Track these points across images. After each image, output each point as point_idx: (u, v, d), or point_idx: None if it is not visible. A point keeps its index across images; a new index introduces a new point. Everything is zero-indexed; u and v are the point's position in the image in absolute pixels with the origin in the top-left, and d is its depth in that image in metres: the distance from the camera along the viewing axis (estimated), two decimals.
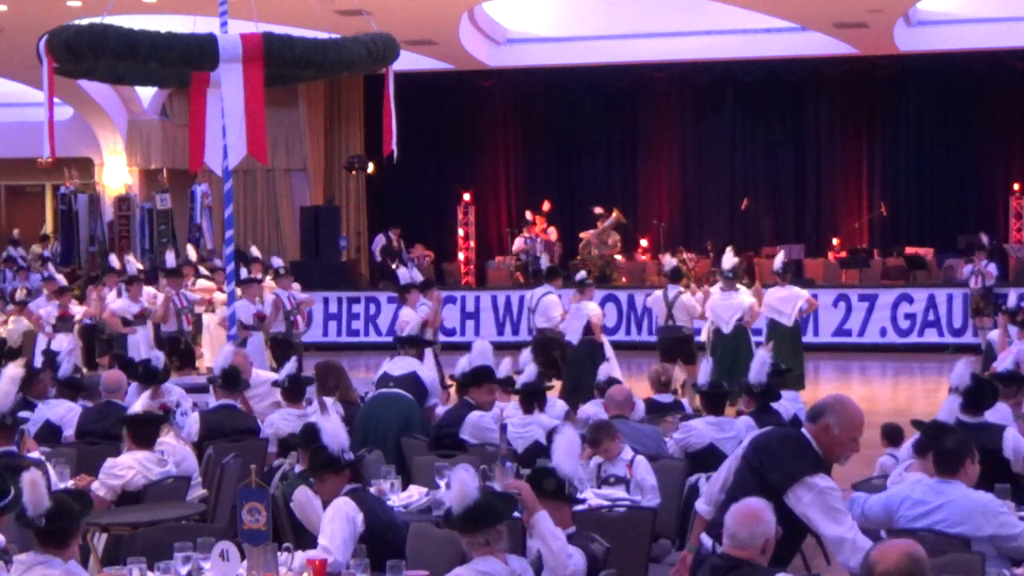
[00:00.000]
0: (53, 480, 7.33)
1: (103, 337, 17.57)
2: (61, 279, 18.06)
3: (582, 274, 16.42)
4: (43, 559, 5.42)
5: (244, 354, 11.43)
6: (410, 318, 12.51)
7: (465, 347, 10.29)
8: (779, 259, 16.66)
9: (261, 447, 9.54)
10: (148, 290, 17.54)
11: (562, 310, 15.58)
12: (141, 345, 15.71)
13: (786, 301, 15.97)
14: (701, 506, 6.19)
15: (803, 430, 5.88)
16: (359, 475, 6.76)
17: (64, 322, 17.13)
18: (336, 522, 6.24)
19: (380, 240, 26.16)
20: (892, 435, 9.26)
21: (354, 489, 6.47)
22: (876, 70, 25.47)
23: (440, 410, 10.28)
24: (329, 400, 9.68)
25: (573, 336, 15.25)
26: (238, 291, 16.27)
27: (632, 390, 9.97)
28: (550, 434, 8.20)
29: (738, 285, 16.01)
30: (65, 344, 16.13)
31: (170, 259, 19.44)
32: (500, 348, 20.00)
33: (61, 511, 5.48)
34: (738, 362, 14.15)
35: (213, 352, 16.47)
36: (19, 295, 19.59)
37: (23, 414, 9.68)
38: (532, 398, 9.46)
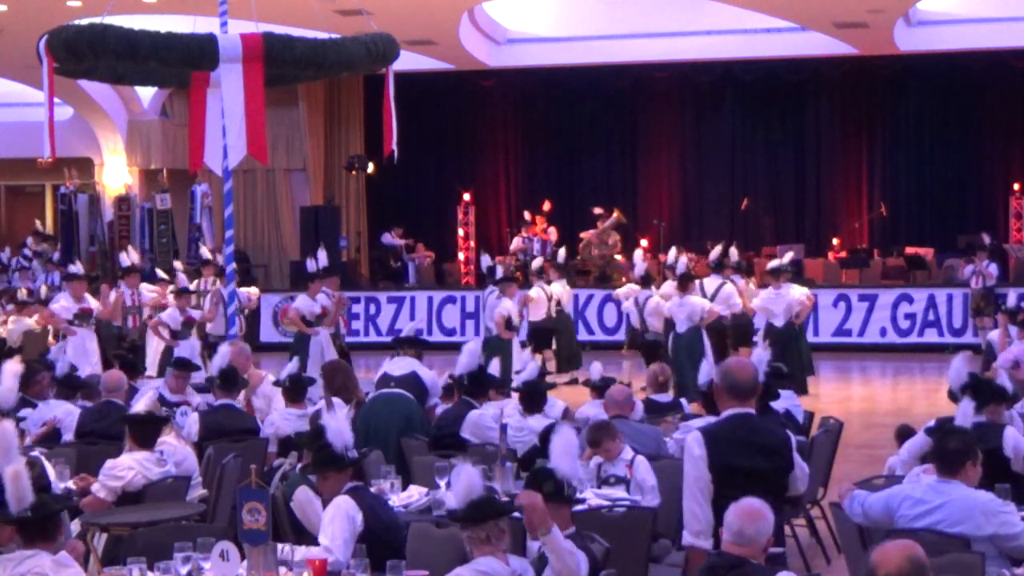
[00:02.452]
0: (53, 480, 7.32)
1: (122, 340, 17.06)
2: (184, 279, 16.81)
3: (776, 262, 16.92)
4: (31, 553, 5.44)
5: (241, 347, 11.48)
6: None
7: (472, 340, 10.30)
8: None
9: (261, 447, 9.54)
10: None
11: (742, 297, 16.55)
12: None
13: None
14: (701, 542, 5.82)
15: (750, 411, 6.01)
16: (361, 473, 6.76)
17: (187, 327, 16.07)
18: (337, 521, 6.25)
19: (388, 237, 26.23)
20: (906, 436, 9.19)
21: (355, 488, 6.48)
22: (876, 70, 25.46)
23: (440, 409, 10.29)
24: (342, 403, 9.67)
25: (778, 320, 16.02)
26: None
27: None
28: (545, 433, 8.23)
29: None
30: (191, 351, 15.30)
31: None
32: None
33: (44, 503, 5.49)
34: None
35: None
36: (20, 295, 19.42)
37: (23, 412, 9.70)
38: (532, 397, 9.47)
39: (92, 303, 16.51)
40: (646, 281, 16.92)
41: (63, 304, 16.46)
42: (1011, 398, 8.29)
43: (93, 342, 16.11)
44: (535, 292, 17.99)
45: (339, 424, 6.56)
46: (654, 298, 16.60)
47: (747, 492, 5.27)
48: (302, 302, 15.80)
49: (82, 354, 15.62)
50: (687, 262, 16.74)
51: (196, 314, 16.14)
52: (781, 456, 5.98)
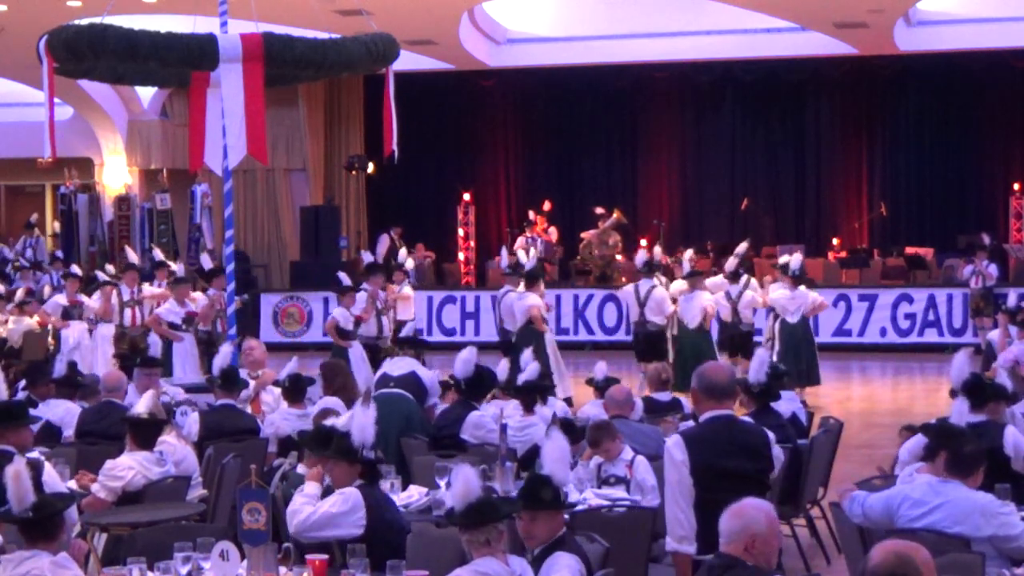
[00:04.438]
0: (54, 480, 7.32)
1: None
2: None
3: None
4: (31, 553, 5.45)
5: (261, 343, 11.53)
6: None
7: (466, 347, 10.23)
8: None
9: (261, 447, 9.54)
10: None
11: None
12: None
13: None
14: (685, 547, 5.81)
15: (730, 412, 6.05)
16: (373, 475, 6.76)
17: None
18: (338, 505, 6.41)
19: (385, 240, 26.13)
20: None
21: (363, 485, 6.53)
22: (876, 70, 25.46)
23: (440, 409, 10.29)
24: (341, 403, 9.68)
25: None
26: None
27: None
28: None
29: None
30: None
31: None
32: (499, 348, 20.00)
33: (45, 503, 5.49)
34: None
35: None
36: (19, 295, 19.33)
37: None
38: (533, 396, 9.47)
39: (192, 307, 16.12)
40: (735, 276, 17.27)
41: (168, 307, 15.97)
42: (1011, 396, 8.30)
43: (195, 347, 15.86)
44: (408, 290, 18.45)
45: (367, 421, 6.61)
46: (748, 292, 17.26)
47: (732, 494, 5.22)
48: (535, 300, 16.03)
49: (190, 361, 15.39)
50: (800, 259, 17.50)
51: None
52: (763, 456, 5.99)
